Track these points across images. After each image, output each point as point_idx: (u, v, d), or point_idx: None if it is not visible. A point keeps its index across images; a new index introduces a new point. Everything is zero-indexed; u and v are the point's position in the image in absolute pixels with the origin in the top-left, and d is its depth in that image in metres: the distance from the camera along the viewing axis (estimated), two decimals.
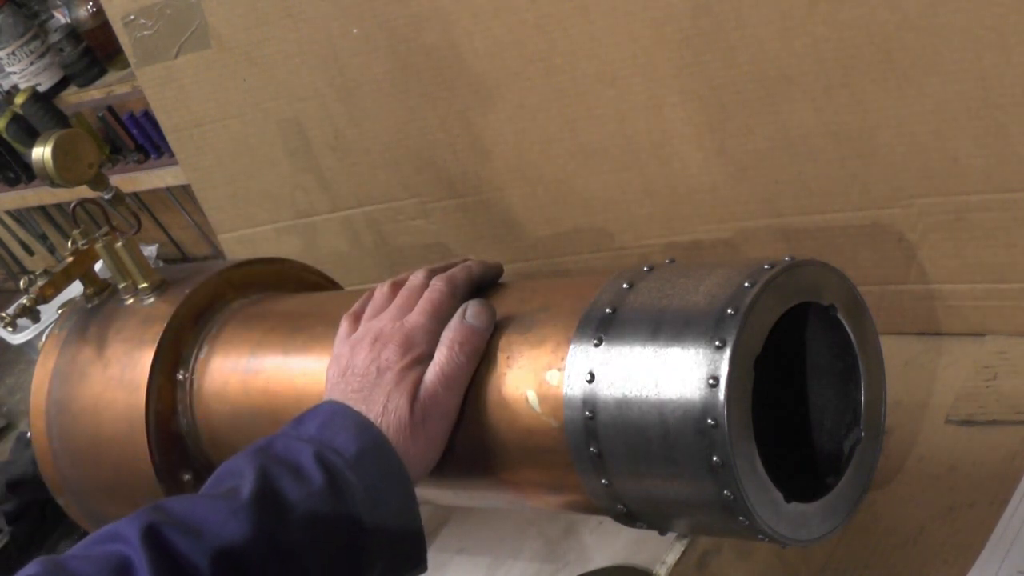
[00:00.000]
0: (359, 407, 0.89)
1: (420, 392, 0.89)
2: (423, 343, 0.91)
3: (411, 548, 0.88)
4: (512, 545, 1.07)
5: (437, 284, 0.94)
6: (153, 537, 0.79)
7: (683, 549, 0.92)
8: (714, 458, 0.75)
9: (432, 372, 0.89)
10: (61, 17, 2.40)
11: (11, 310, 1.17)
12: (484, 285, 0.97)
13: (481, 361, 0.89)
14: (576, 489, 0.85)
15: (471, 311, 0.91)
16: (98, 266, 1.21)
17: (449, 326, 0.91)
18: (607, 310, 0.83)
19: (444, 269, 0.97)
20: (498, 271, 0.99)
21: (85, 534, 0.84)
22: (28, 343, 2.37)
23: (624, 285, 0.84)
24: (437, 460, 0.90)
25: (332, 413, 0.89)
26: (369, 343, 0.93)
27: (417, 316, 0.93)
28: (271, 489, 0.83)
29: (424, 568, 0.89)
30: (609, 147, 1.26)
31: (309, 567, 0.82)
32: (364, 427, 0.87)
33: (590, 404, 0.81)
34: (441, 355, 0.90)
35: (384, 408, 0.89)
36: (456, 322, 0.91)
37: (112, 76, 2.36)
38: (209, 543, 0.80)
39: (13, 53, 2.37)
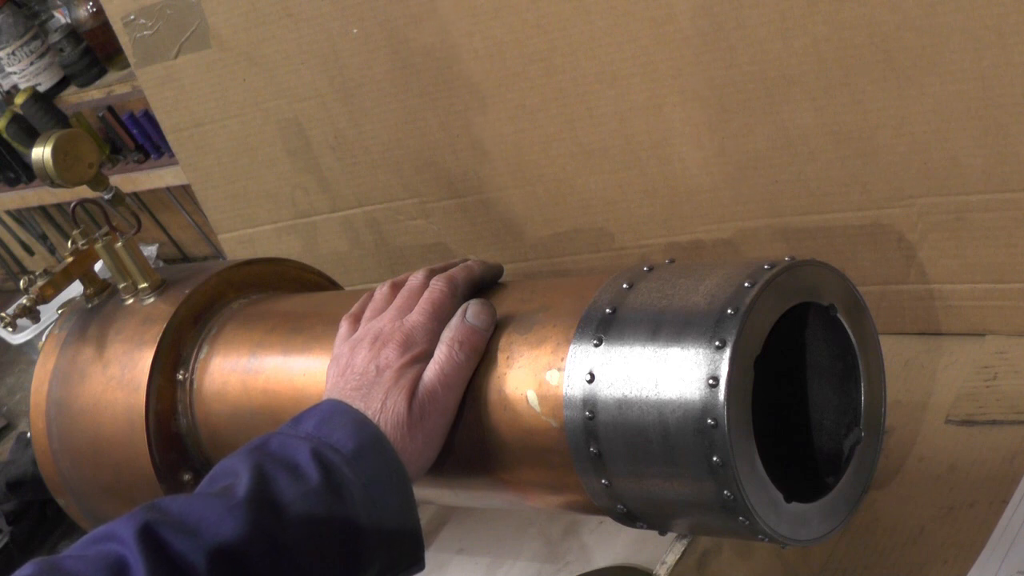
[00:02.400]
0: (357, 405, 0.89)
1: (419, 390, 0.89)
2: (423, 342, 0.91)
3: (409, 546, 0.88)
4: (512, 545, 1.07)
5: (437, 284, 0.95)
6: (149, 536, 0.79)
7: (683, 549, 0.92)
8: (714, 458, 0.75)
9: (431, 371, 0.90)
10: (61, 17, 2.40)
11: (11, 310, 1.17)
12: (484, 285, 0.97)
13: (481, 361, 0.90)
14: (576, 489, 0.85)
15: (471, 311, 0.91)
16: (98, 266, 1.21)
17: (449, 325, 0.91)
18: (607, 310, 0.83)
19: (444, 269, 0.97)
20: (498, 271, 0.99)
21: (85, 534, 0.84)
22: (28, 343, 2.37)
23: (624, 285, 0.84)
24: (435, 459, 0.90)
25: (331, 411, 0.89)
26: (369, 343, 0.93)
27: (417, 316, 0.93)
28: (267, 487, 0.83)
29: (422, 567, 0.89)
30: (609, 147, 1.26)
31: (306, 565, 0.82)
32: (362, 424, 0.87)
33: (590, 404, 0.81)
34: (441, 354, 0.90)
35: (382, 405, 0.89)
36: (456, 321, 0.91)
37: (112, 76, 2.36)
38: (205, 542, 0.80)
39: (13, 53, 2.37)
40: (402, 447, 0.87)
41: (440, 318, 0.93)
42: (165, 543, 0.79)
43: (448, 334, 0.91)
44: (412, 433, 0.88)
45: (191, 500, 0.84)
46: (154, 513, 0.81)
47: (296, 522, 0.82)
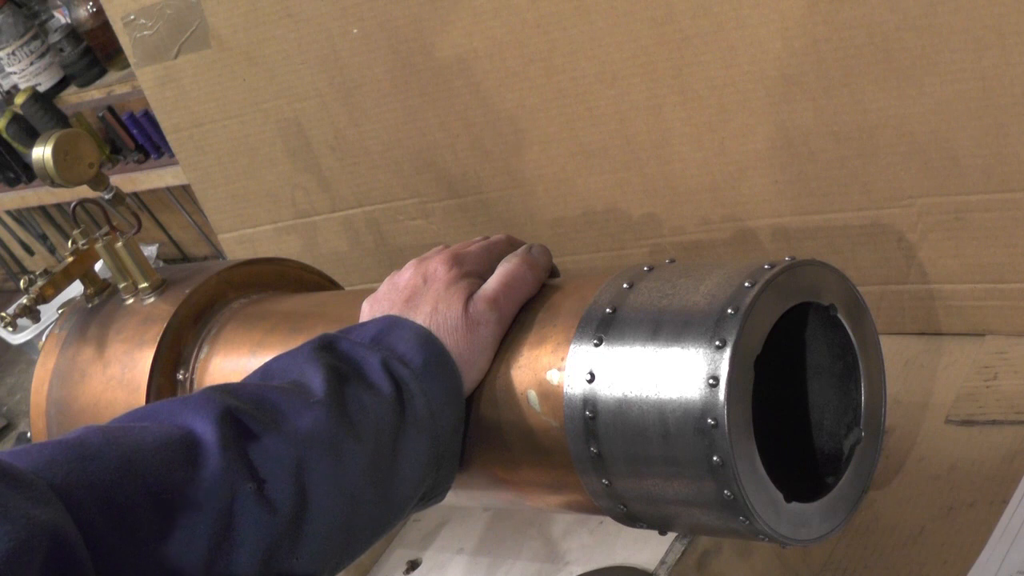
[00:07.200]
0: (407, 315, 0.86)
1: (476, 295, 0.87)
2: (471, 264, 0.89)
3: (448, 472, 0.86)
4: (512, 545, 1.07)
5: (498, 235, 0.93)
6: (230, 420, 0.77)
7: (683, 549, 0.92)
8: (714, 458, 0.75)
9: (493, 280, 0.88)
10: (61, 17, 2.41)
11: (11, 310, 1.17)
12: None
13: None
14: (576, 489, 0.85)
15: (536, 248, 0.90)
16: (98, 266, 1.21)
17: (515, 252, 0.90)
18: (607, 310, 0.83)
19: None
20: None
21: None
22: (28, 343, 2.38)
23: (624, 285, 0.84)
24: (486, 370, 0.87)
25: (389, 323, 0.86)
26: (413, 265, 0.91)
27: (468, 247, 0.91)
28: (345, 390, 0.81)
29: (443, 498, 0.88)
30: (609, 147, 1.26)
31: (365, 479, 0.80)
32: (427, 338, 0.85)
33: (590, 404, 0.81)
34: (507, 267, 0.88)
35: (434, 310, 0.86)
36: (523, 250, 0.90)
37: (112, 76, 2.36)
38: (287, 433, 0.78)
39: (13, 53, 2.37)
40: (457, 355, 0.85)
41: (492, 254, 0.90)
42: (247, 429, 0.77)
43: (515, 257, 0.89)
44: (468, 338, 0.85)
45: (263, 390, 0.81)
46: (230, 398, 0.79)
47: (370, 431, 0.80)
